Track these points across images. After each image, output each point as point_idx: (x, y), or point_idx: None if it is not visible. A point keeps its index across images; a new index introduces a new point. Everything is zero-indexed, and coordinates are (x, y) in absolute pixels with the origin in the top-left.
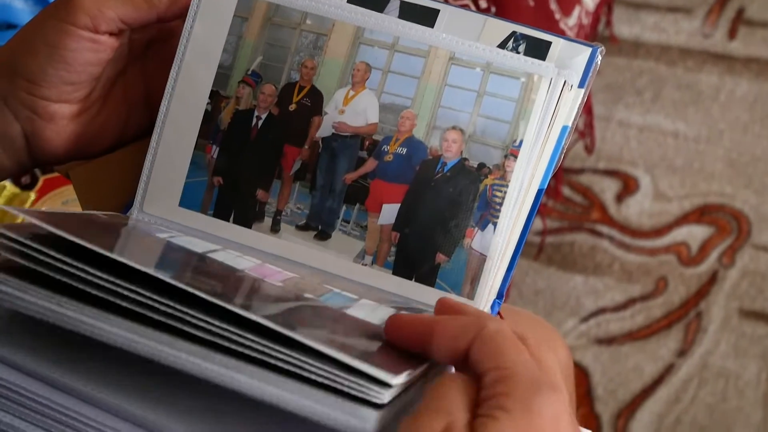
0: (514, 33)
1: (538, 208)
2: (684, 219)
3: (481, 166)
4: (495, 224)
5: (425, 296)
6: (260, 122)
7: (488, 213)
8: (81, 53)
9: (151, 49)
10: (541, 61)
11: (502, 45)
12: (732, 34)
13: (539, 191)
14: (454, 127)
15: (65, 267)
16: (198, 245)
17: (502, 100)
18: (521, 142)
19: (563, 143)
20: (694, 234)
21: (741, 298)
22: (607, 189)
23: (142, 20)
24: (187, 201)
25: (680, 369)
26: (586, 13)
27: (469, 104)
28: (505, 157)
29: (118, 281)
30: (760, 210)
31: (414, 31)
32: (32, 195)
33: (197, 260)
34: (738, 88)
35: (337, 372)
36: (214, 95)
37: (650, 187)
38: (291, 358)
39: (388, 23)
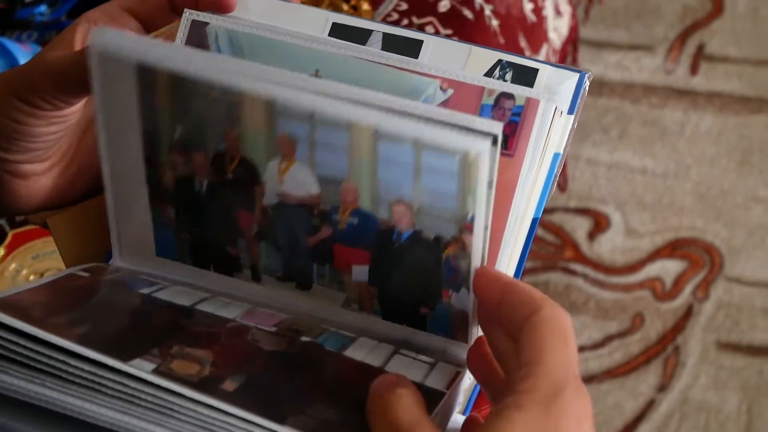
0: (500, 61)
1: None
2: (656, 254)
3: (438, 238)
4: (468, 287)
5: (419, 338)
6: (204, 188)
7: (458, 277)
8: (47, 128)
9: None
10: (529, 88)
11: (489, 73)
12: (694, 69)
13: (534, 220)
14: (399, 201)
15: (37, 357)
16: (185, 296)
17: (441, 176)
18: (472, 217)
19: (555, 171)
20: (668, 269)
21: (717, 331)
22: (578, 227)
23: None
24: (162, 251)
25: (661, 404)
26: (554, 51)
27: (407, 178)
28: (461, 231)
29: (94, 371)
30: (731, 242)
31: (328, 105)
32: (1, 251)
33: (184, 317)
34: (702, 123)
35: None
36: (151, 160)
37: (621, 223)
38: None
39: (296, 96)
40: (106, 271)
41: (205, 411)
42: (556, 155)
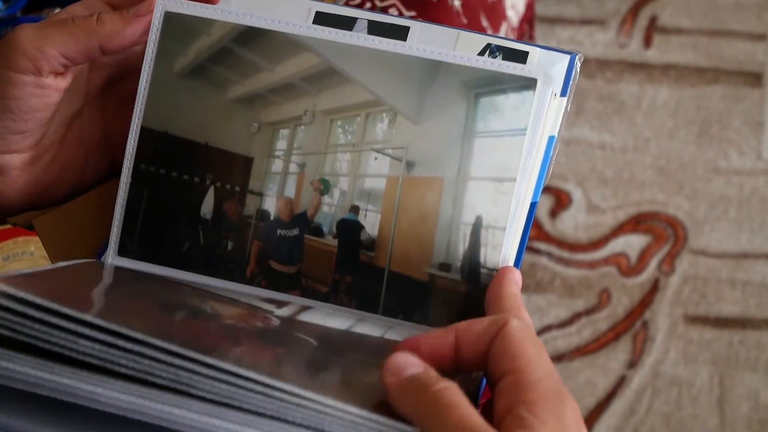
0: (489, 45)
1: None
2: (620, 229)
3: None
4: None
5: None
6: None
7: None
8: (25, 100)
9: (109, 88)
10: (525, 66)
11: (480, 55)
12: (647, 42)
13: (532, 204)
14: None
15: (54, 337)
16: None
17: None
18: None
19: (551, 154)
20: (632, 243)
21: (685, 305)
22: (540, 205)
23: (84, 53)
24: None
25: (632, 380)
26: (512, 28)
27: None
28: None
29: (113, 347)
30: (694, 215)
31: None
32: None
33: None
34: (659, 96)
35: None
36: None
37: (583, 200)
38: (309, 411)
39: None
40: (99, 269)
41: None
42: (551, 138)
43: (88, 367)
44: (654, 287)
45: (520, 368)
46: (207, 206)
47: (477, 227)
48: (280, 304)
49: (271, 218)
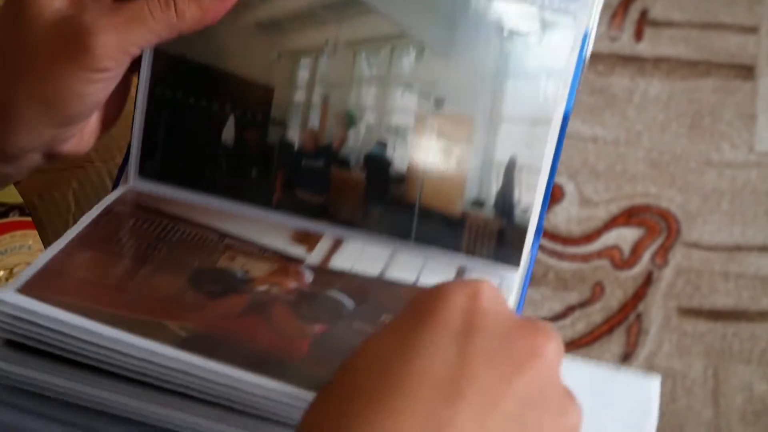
0: None
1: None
2: (612, 222)
3: None
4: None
5: None
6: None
7: None
8: (92, 95)
9: None
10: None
11: None
12: (638, 35)
13: (566, 113)
14: None
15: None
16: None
17: None
18: None
19: (585, 50)
20: (625, 236)
21: (678, 297)
22: None
23: (157, 43)
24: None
25: None
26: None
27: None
28: None
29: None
30: (687, 207)
31: None
32: None
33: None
34: (651, 89)
35: None
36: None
37: (575, 193)
38: None
39: None
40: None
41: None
42: (586, 32)
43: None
44: (647, 280)
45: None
46: (228, 134)
47: (510, 167)
48: (311, 244)
49: (295, 149)
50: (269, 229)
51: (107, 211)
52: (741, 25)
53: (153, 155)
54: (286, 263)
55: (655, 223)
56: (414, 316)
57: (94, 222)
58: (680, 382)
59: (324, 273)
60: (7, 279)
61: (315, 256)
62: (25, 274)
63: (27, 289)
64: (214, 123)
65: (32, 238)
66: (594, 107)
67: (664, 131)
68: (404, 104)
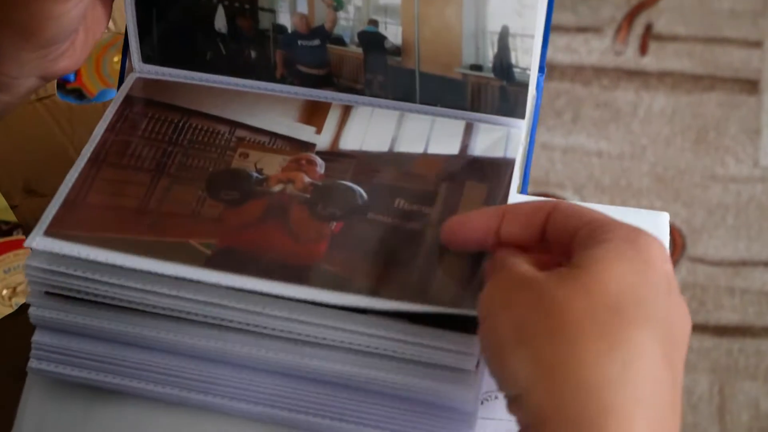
0: None
1: None
2: None
3: None
4: None
5: None
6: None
7: None
8: (67, 19)
9: None
10: None
11: None
12: (643, 49)
13: None
14: None
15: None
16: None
17: None
18: None
19: None
20: None
21: None
22: None
23: None
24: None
25: None
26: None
27: None
28: None
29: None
30: (692, 222)
31: None
32: None
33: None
34: (655, 103)
35: None
36: None
37: None
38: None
39: None
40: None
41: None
42: None
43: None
44: None
45: (592, 221)
46: (220, 22)
47: (504, 35)
48: (318, 124)
49: (289, 31)
50: (276, 112)
51: (120, 114)
52: (745, 40)
53: (151, 42)
54: (298, 151)
55: None
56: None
57: (109, 129)
58: (686, 398)
59: (335, 157)
60: (10, 297)
61: (324, 138)
62: (49, 211)
63: (53, 228)
64: (205, 13)
65: None
66: (599, 121)
67: (668, 145)
68: None
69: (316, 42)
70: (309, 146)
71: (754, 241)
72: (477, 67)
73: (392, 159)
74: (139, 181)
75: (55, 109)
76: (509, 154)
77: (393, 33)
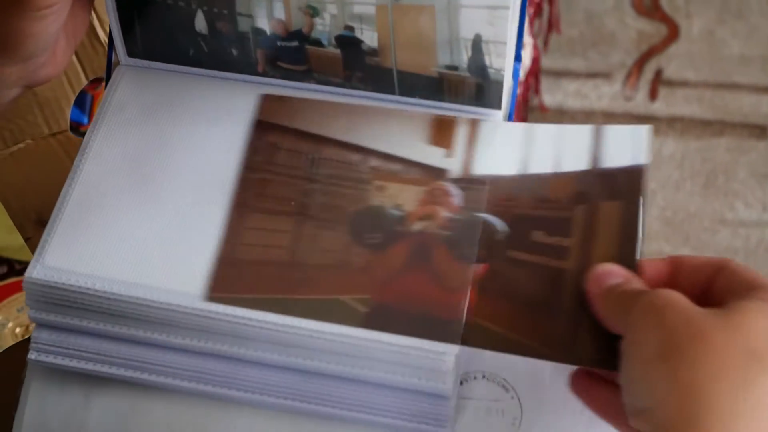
0: None
1: None
2: None
3: None
4: None
5: None
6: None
7: None
8: (46, 30)
9: None
10: None
11: None
12: (653, 95)
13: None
14: None
15: None
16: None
17: None
18: None
19: None
20: None
21: None
22: None
23: None
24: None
25: None
26: (518, 83)
27: None
28: None
29: None
30: None
31: None
32: None
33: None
34: (665, 148)
35: None
36: None
37: None
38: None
39: None
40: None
41: None
42: None
43: None
44: None
45: (763, 286)
46: (200, 24)
47: (477, 41)
48: (448, 143)
49: (268, 33)
50: (405, 133)
51: (253, 147)
52: (755, 85)
53: (135, 39)
54: (431, 179)
55: None
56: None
57: (247, 167)
58: None
59: (468, 184)
60: (23, 336)
61: (456, 162)
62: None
63: (218, 292)
64: (185, 17)
65: None
66: None
67: (678, 190)
68: None
69: (295, 43)
70: (442, 172)
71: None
72: (453, 68)
73: (526, 182)
74: (284, 227)
75: (68, 144)
76: (640, 161)
77: (369, 37)
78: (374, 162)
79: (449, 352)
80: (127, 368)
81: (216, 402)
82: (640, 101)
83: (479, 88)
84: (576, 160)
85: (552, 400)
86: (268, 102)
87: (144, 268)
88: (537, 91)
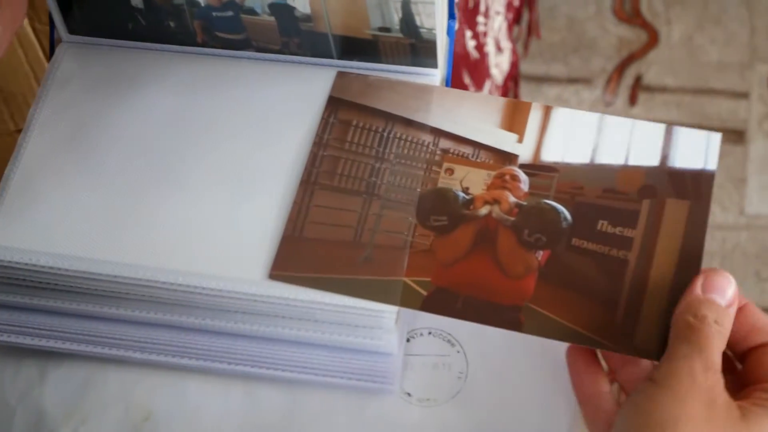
0: None
1: None
2: None
3: None
4: None
5: None
6: None
7: None
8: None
9: None
10: None
11: None
12: (632, 100)
13: None
14: None
15: None
16: None
17: None
18: None
19: None
20: None
21: None
22: None
23: None
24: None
25: None
26: (496, 86)
27: None
28: None
29: None
30: None
31: None
32: None
33: None
34: None
35: None
36: None
37: None
38: None
39: None
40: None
41: None
42: None
43: None
44: None
45: None
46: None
47: (406, 3)
48: (520, 128)
49: (203, 5)
50: (478, 116)
51: (325, 122)
52: (732, 91)
53: (74, 15)
54: (501, 164)
55: None
56: None
57: (317, 143)
58: None
59: (537, 170)
60: None
61: (526, 148)
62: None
63: (278, 269)
64: None
65: None
66: None
67: None
68: None
69: (230, 13)
70: (512, 157)
71: (739, 288)
72: (386, 29)
73: (594, 172)
74: (351, 206)
75: None
76: (709, 166)
77: (301, 4)
78: (444, 144)
79: (389, 311)
80: (80, 343)
81: (168, 371)
82: (619, 106)
83: (414, 48)
84: (646, 156)
85: (496, 352)
86: (339, 79)
87: (88, 241)
88: (516, 95)
